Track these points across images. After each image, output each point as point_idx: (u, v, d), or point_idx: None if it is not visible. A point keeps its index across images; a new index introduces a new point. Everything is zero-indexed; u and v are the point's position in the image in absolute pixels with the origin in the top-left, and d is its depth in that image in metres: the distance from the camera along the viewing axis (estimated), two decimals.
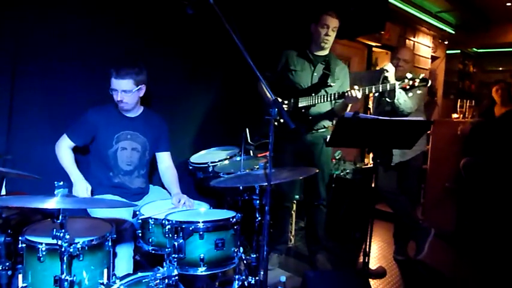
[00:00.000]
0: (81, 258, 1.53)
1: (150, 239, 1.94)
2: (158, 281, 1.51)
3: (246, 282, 1.91)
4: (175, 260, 1.75)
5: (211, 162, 2.57)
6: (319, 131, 2.72)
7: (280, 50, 2.74)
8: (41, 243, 1.50)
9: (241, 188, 2.35)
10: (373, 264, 2.94)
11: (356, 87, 2.41)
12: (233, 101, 3.20)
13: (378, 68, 5.04)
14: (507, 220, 3.44)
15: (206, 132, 3.10)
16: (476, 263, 3.24)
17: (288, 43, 2.80)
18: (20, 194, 2.07)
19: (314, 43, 2.66)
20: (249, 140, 2.77)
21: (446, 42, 6.52)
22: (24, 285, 1.55)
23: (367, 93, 2.43)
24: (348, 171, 3.74)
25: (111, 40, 2.50)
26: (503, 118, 3.63)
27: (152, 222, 1.93)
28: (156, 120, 2.36)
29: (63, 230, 1.40)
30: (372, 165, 3.84)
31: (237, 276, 1.92)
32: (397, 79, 2.63)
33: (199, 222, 1.77)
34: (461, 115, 4.95)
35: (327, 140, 2.77)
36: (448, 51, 6.82)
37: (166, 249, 1.81)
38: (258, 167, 2.12)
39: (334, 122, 2.84)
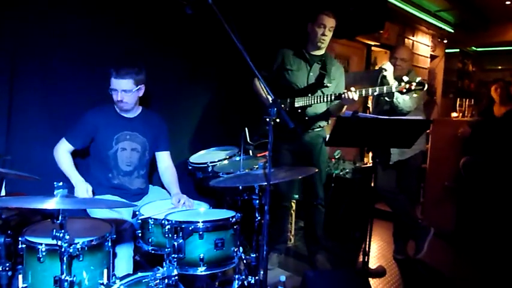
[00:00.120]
0: (81, 259, 1.53)
1: (149, 239, 1.95)
2: (158, 281, 1.51)
3: (245, 282, 1.91)
4: (175, 260, 1.75)
5: (211, 162, 2.57)
6: (315, 130, 2.72)
7: (276, 49, 2.73)
8: (41, 244, 1.51)
9: (240, 187, 2.35)
10: (372, 264, 2.95)
11: (353, 89, 2.41)
12: (232, 101, 3.20)
13: (376, 67, 5.04)
14: (507, 219, 3.44)
15: (205, 132, 3.11)
16: (476, 262, 3.24)
17: (284, 42, 2.79)
18: (19, 194, 2.07)
19: (310, 43, 2.65)
20: (248, 140, 2.77)
21: (445, 41, 6.52)
22: (25, 285, 1.55)
23: (363, 95, 2.43)
24: (347, 170, 3.75)
25: (111, 40, 2.50)
26: (504, 118, 3.63)
27: (152, 222, 1.93)
28: (155, 119, 2.36)
29: (62, 231, 1.40)
30: (371, 165, 3.84)
31: (236, 276, 1.92)
32: (395, 78, 2.63)
33: (198, 222, 1.77)
34: (461, 114, 4.95)
35: (325, 139, 2.78)
36: (447, 50, 6.82)
37: (166, 249, 1.81)
38: (257, 166, 2.13)
39: (330, 121, 2.85)
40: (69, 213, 1.43)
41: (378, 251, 3.32)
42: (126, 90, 2.10)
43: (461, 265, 3.21)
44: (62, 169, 2.13)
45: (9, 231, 1.66)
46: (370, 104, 4.66)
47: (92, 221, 1.95)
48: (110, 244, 1.66)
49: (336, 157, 3.85)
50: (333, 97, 2.50)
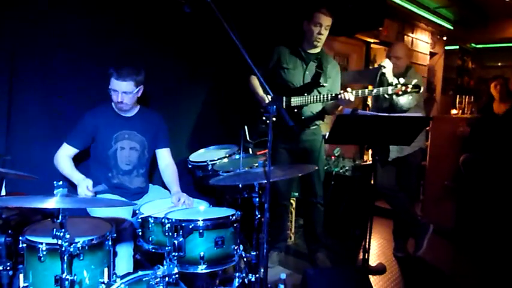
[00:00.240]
0: (81, 258, 1.54)
1: (150, 238, 1.95)
2: (158, 279, 1.51)
3: (246, 280, 1.92)
4: (175, 258, 1.75)
5: (211, 161, 2.57)
6: (311, 128, 2.73)
7: (271, 46, 2.72)
8: (42, 243, 1.51)
9: (240, 186, 2.35)
10: (373, 261, 2.95)
11: (349, 89, 2.41)
12: (231, 100, 3.19)
13: (376, 65, 5.03)
14: (506, 216, 3.44)
15: (205, 131, 3.11)
16: (476, 259, 3.25)
17: (279, 39, 2.78)
18: (19, 194, 2.07)
19: (306, 41, 2.64)
20: (247, 138, 2.77)
21: (444, 38, 6.50)
22: (25, 285, 1.56)
23: (360, 96, 2.43)
24: (347, 168, 3.75)
25: (110, 39, 2.50)
26: (504, 116, 3.63)
27: (152, 221, 1.94)
28: (153, 117, 2.35)
29: (63, 230, 1.41)
30: (371, 162, 3.84)
31: (237, 274, 1.93)
32: (394, 75, 2.63)
33: (198, 220, 1.77)
34: (461, 111, 4.95)
35: (322, 136, 2.79)
36: (446, 47, 6.81)
37: (166, 248, 1.81)
38: (257, 164, 2.13)
39: (325, 119, 2.85)
40: (70, 213, 1.43)
41: (378, 248, 3.33)
42: (126, 92, 2.11)
43: (461, 262, 3.22)
44: (64, 174, 2.11)
45: (9, 231, 1.67)
46: (369, 102, 4.66)
47: (92, 220, 1.95)
48: (110, 243, 1.67)
49: (336, 155, 3.85)
50: (329, 97, 2.50)
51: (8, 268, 1.64)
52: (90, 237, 1.59)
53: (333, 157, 3.83)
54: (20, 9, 2.17)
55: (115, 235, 1.71)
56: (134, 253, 2.04)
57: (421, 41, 5.93)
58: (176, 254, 1.75)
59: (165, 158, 2.40)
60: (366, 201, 3.36)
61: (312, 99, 2.55)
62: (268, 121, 2.59)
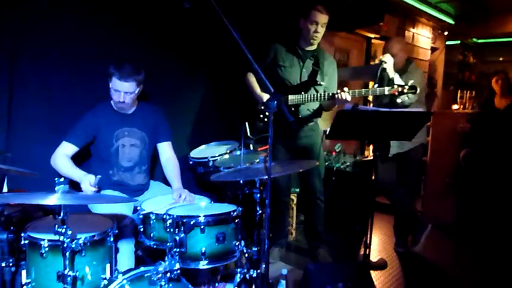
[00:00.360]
0: (83, 254, 1.54)
1: (151, 234, 1.95)
2: (160, 275, 1.52)
3: (247, 276, 1.92)
4: (176, 254, 1.76)
5: (212, 157, 2.57)
6: (309, 125, 2.73)
7: (267, 44, 2.71)
8: (43, 240, 1.51)
9: (241, 182, 2.35)
10: (374, 257, 2.96)
11: (346, 89, 2.41)
12: (232, 96, 3.19)
13: (377, 60, 5.02)
14: (507, 212, 3.44)
15: (206, 127, 3.10)
16: (476, 254, 3.25)
17: (275, 36, 2.77)
18: (21, 191, 2.07)
19: (303, 38, 2.63)
20: (248, 134, 2.77)
21: (445, 33, 6.48)
22: (28, 281, 1.56)
23: (356, 95, 2.43)
24: (348, 164, 3.75)
25: (110, 38, 2.50)
26: (506, 111, 3.62)
27: (153, 217, 1.94)
28: (152, 111, 2.35)
29: (64, 226, 1.41)
30: (372, 158, 3.84)
31: (238, 270, 1.93)
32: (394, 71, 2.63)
33: (200, 216, 1.77)
34: (462, 106, 4.94)
35: (320, 132, 2.79)
36: (447, 42, 6.78)
37: (168, 244, 1.82)
38: (258, 160, 2.13)
39: (323, 116, 2.85)
40: (71, 209, 1.43)
41: (379, 244, 3.34)
42: (128, 92, 2.10)
43: (461, 257, 3.22)
44: (63, 173, 2.04)
45: (11, 228, 1.67)
46: (370, 97, 4.65)
47: (94, 216, 1.95)
48: (112, 239, 1.67)
49: (337, 150, 3.85)
50: (326, 97, 2.50)
51: (11, 264, 1.65)
52: (92, 233, 1.59)
53: (333, 153, 3.83)
54: (20, 8, 2.16)
55: (116, 231, 1.71)
56: (136, 249, 2.05)
57: (422, 36, 5.91)
58: (178, 250, 1.75)
59: (166, 151, 2.39)
60: (366, 197, 3.37)
61: (308, 98, 2.54)
62: (266, 119, 2.61)
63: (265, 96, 2.63)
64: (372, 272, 2.63)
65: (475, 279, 2.83)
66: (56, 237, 1.43)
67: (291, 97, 2.59)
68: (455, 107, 5.05)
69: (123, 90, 2.09)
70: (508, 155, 3.45)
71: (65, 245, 1.42)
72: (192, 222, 1.76)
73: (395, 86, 2.35)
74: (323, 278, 2.03)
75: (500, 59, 7.46)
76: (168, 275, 1.53)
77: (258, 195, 1.86)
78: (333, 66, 2.73)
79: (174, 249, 1.76)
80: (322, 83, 2.60)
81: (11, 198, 1.71)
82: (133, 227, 2.05)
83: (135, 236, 2.05)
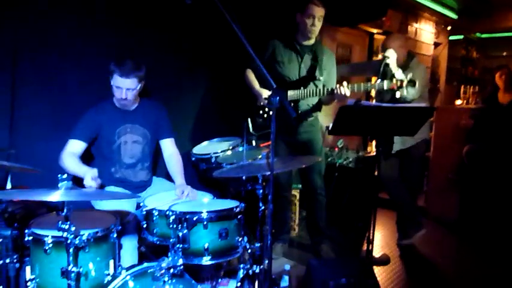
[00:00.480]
0: (87, 250, 1.54)
1: (154, 230, 1.96)
2: (163, 271, 1.52)
3: (250, 271, 1.93)
4: (179, 250, 1.76)
5: (214, 153, 2.56)
6: (309, 120, 2.72)
7: (265, 40, 2.70)
8: (47, 236, 1.52)
9: (244, 178, 2.35)
10: (376, 252, 2.96)
11: (345, 83, 2.39)
12: (234, 92, 3.18)
13: (379, 55, 4.99)
14: (510, 208, 3.43)
15: (208, 124, 3.10)
16: (479, 251, 3.25)
17: (272, 32, 2.76)
18: (24, 188, 2.08)
19: (300, 33, 2.62)
20: (251, 130, 2.77)
21: (449, 28, 6.43)
22: (32, 277, 1.57)
23: (355, 90, 2.41)
24: (350, 159, 3.74)
25: (111, 35, 2.50)
26: (510, 106, 3.59)
27: (156, 214, 1.94)
28: (153, 107, 2.35)
29: (68, 223, 1.42)
30: (374, 154, 3.83)
31: (241, 265, 1.94)
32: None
33: (202, 212, 1.78)
34: (465, 101, 4.92)
35: (320, 127, 2.78)
36: (450, 37, 6.73)
37: (171, 240, 1.82)
38: (260, 156, 2.13)
39: (323, 111, 2.84)
40: (74, 206, 1.44)
41: (381, 239, 3.33)
42: (130, 89, 2.10)
43: (464, 253, 3.22)
44: (71, 172, 1.99)
45: (15, 224, 1.68)
46: (373, 93, 4.63)
47: (97, 213, 1.96)
48: (115, 235, 1.68)
49: (339, 146, 3.84)
50: (325, 92, 2.49)
51: (15, 261, 1.66)
52: (95, 229, 1.59)
53: (336, 149, 3.83)
54: (21, 8, 2.17)
55: (120, 227, 1.72)
56: (139, 245, 2.06)
57: (425, 31, 5.87)
58: (181, 246, 1.76)
59: (168, 148, 2.38)
60: (369, 193, 3.36)
61: (307, 93, 2.53)
62: (265, 115, 2.61)
63: (264, 92, 2.62)
64: (374, 267, 2.64)
65: (478, 275, 2.83)
66: (60, 234, 1.43)
67: (290, 93, 2.58)
68: (458, 102, 5.03)
69: (125, 87, 2.08)
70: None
71: (69, 241, 1.43)
72: (195, 218, 1.76)
73: (394, 80, 2.34)
74: (326, 274, 2.03)
75: (504, 53, 7.40)
76: (171, 270, 1.54)
77: (261, 191, 1.86)
78: (332, 60, 2.72)
79: (177, 245, 1.77)
80: (321, 77, 2.59)
81: (14, 195, 1.72)
82: (136, 223, 2.06)
83: (138, 232, 2.05)
